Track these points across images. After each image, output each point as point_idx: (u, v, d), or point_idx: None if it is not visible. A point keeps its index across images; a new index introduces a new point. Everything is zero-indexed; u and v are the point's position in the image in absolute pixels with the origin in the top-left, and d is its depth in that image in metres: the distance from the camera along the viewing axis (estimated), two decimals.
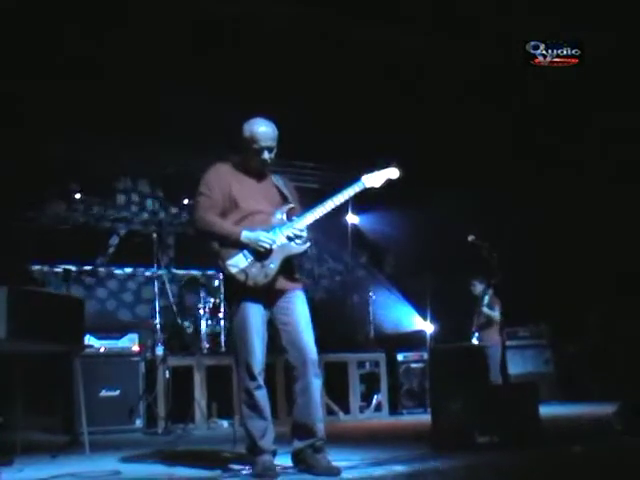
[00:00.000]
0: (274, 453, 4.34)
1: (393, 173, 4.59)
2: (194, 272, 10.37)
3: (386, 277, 12.12)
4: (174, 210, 10.87)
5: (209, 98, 8.08)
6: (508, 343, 9.87)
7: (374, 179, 4.54)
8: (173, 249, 10.80)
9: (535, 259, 10.05)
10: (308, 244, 4.44)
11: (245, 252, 4.30)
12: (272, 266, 4.31)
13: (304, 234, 4.39)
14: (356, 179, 4.52)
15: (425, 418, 7.70)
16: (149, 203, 10.77)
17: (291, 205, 4.51)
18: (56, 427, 6.74)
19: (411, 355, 9.89)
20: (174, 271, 10.38)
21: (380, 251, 12.15)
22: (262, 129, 4.40)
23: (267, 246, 4.28)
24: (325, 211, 4.41)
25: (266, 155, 4.42)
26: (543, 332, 10.62)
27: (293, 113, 5.07)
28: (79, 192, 9.89)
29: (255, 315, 4.32)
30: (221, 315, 8.65)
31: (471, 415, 5.20)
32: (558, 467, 4.30)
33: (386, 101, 8.52)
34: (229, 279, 4.35)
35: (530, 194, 9.67)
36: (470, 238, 7.14)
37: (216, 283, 8.87)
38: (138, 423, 7.74)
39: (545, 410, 5.91)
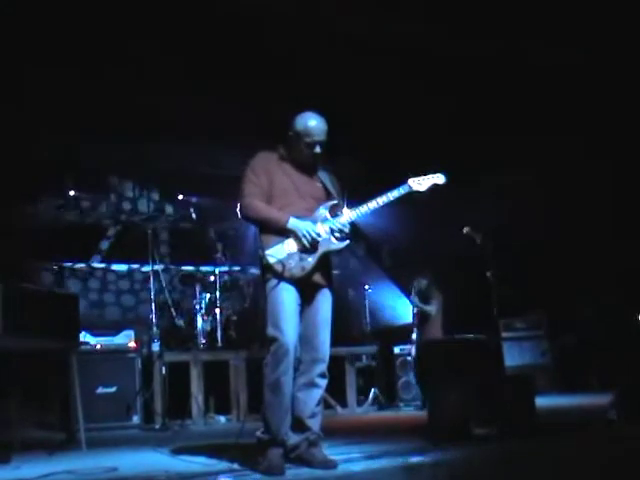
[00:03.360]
0: (285, 446, 4.30)
1: (439, 179, 4.60)
2: (190, 268, 10.38)
3: (383, 270, 12.13)
4: (169, 206, 10.86)
5: (206, 97, 8.05)
6: (505, 335, 9.91)
7: (420, 183, 4.55)
8: (168, 245, 10.80)
9: (532, 250, 10.04)
10: (347, 241, 4.45)
11: (285, 244, 4.31)
12: (310, 260, 4.32)
13: (346, 229, 4.41)
14: (402, 182, 4.54)
15: (422, 411, 7.73)
16: (143, 199, 10.75)
17: (335, 201, 4.51)
18: (53, 424, 6.73)
19: (407, 348, 9.91)
20: (169, 267, 10.38)
21: (376, 244, 12.16)
22: (315, 123, 4.42)
23: (310, 238, 4.29)
24: (368, 210, 4.44)
25: (317, 149, 4.44)
26: (540, 323, 10.62)
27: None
28: (73, 189, 9.87)
29: (289, 295, 4.29)
30: (217, 310, 8.64)
31: (467, 407, 5.21)
32: (554, 458, 4.31)
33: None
34: (266, 267, 4.34)
35: (526, 181, 9.63)
36: (465, 229, 7.13)
37: (212, 279, 8.87)
38: (135, 419, 7.75)
39: (542, 401, 5.93)
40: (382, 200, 4.44)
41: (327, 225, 4.39)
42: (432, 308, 9.14)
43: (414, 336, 9.21)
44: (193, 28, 7.12)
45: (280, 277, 4.26)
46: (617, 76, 7.97)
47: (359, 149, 9.05)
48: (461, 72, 8.06)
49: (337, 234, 4.39)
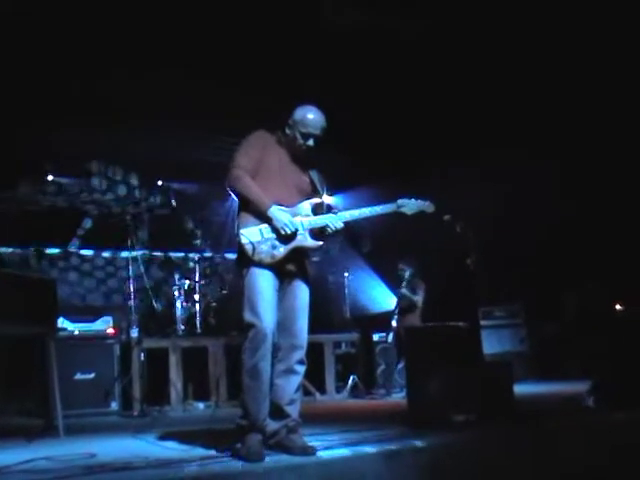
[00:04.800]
0: (263, 432, 4.30)
1: (428, 207, 4.60)
2: (169, 254, 10.33)
3: (362, 257, 12.13)
4: (148, 192, 10.78)
5: (185, 83, 8.01)
6: (484, 322, 9.95)
7: (408, 206, 4.55)
8: (147, 231, 10.73)
9: (510, 238, 10.06)
10: (321, 242, 4.46)
11: (263, 229, 4.31)
12: (281, 250, 4.32)
13: (331, 230, 4.41)
14: (393, 200, 4.54)
15: (401, 397, 7.75)
16: (123, 185, 10.67)
17: (320, 200, 4.52)
18: (31, 411, 6.69)
19: (387, 335, 9.91)
20: (148, 253, 10.32)
21: (356, 231, 12.15)
22: (313, 116, 4.45)
23: (288, 231, 4.29)
24: (349, 218, 4.47)
25: (310, 142, 4.46)
26: (518, 311, 10.65)
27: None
28: (51, 174, 9.77)
29: (266, 280, 4.30)
30: (196, 297, 8.61)
31: (447, 394, 5.23)
32: (533, 444, 4.34)
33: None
34: (238, 246, 4.35)
35: (503, 170, 9.65)
36: (445, 217, 7.13)
37: (191, 265, 8.83)
38: (113, 406, 7.71)
39: (520, 389, 5.97)
40: (368, 211, 4.49)
41: (307, 220, 4.40)
42: (419, 298, 9.18)
43: (394, 323, 9.22)
44: (191, 27, 7.12)
45: (249, 260, 4.27)
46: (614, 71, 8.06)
47: (359, 149, 9.12)
48: (459, 70, 8.13)
49: (316, 230, 4.41)
